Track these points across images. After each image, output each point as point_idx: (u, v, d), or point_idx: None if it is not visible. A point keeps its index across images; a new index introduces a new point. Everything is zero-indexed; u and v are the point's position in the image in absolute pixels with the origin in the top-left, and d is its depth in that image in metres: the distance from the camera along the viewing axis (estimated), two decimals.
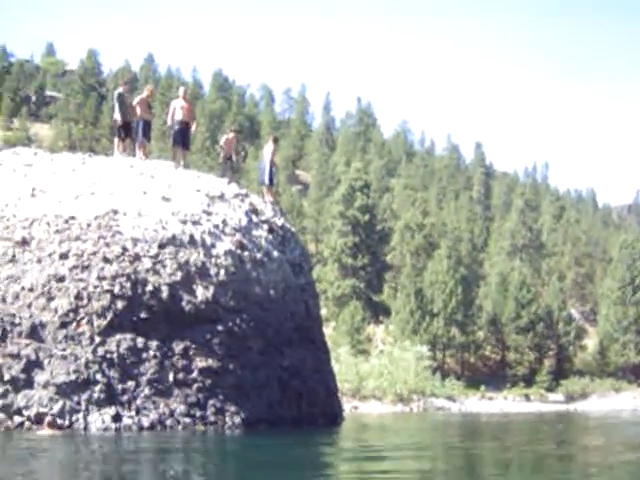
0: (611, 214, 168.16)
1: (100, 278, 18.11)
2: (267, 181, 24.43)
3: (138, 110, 23.85)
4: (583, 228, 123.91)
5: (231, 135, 25.95)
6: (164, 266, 18.76)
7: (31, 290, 17.90)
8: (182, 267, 18.92)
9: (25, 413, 16.71)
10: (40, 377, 17.01)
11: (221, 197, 21.91)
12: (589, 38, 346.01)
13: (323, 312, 48.91)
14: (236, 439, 16.59)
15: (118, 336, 17.59)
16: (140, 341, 17.69)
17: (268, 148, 24.77)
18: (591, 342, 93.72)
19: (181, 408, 17.54)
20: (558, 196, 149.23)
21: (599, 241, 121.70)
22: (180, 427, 17.23)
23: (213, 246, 19.86)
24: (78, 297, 17.80)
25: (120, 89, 24.69)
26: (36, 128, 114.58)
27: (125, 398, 17.20)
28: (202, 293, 18.82)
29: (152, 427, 16.96)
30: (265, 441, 16.09)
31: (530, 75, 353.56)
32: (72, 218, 19.27)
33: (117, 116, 24.03)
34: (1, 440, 14.90)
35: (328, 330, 60.04)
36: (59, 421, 16.58)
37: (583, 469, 11.14)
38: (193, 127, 24.50)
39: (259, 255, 20.89)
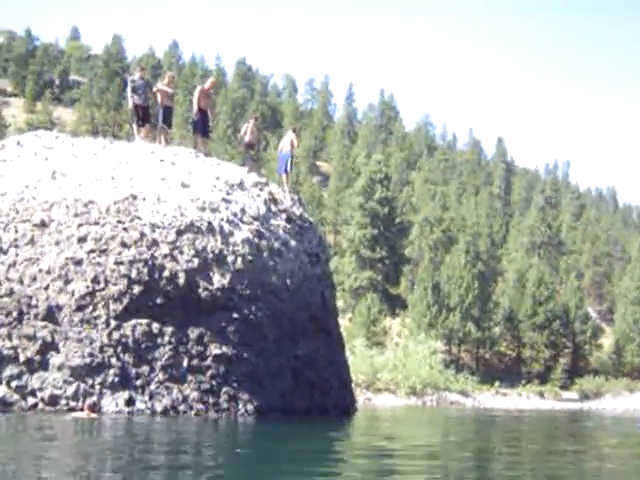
0: (632, 214, 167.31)
1: (117, 263, 18.18)
2: (282, 171, 24.39)
3: (159, 97, 23.83)
4: (603, 227, 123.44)
5: (251, 122, 25.68)
6: (181, 252, 18.80)
7: (48, 272, 18.00)
8: (199, 254, 18.96)
9: (39, 395, 16.83)
10: (55, 359, 17.12)
11: (240, 185, 21.91)
12: (613, 36, 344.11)
13: (339, 303, 48.89)
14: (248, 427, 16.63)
15: (134, 321, 17.67)
16: (155, 326, 17.76)
17: (287, 138, 24.75)
18: (607, 341, 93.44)
19: (194, 394, 17.61)
20: (579, 194, 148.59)
21: (618, 240, 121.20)
22: (193, 413, 17.30)
23: (231, 234, 19.87)
24: (95, 281, 17.88)
25: (135, 75, 24.56)
26: (59, 112, 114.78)
27: (139, 383, 17.29)
28: (218, 280, 18.86)
29: (165, 412, 17.04)
30: (277, 430, 16.11)
31: (554, 72, 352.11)
32: (91, 202, 19.33)
33: (131, 102, 23.97)
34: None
35: (344, 321, 60.17)
36: (72, 403, 16.69)
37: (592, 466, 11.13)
38: (210, 114, 24.36)
39: (276, 244, 20.89)
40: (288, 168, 24.39)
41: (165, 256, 18.61)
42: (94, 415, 15.97)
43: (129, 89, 23.98)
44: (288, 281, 20.57)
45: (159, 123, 23.96)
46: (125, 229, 18.81)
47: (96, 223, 18.87)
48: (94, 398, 16.74)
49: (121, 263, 18.20)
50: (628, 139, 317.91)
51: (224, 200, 20.80)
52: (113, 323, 17.54)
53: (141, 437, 13.13)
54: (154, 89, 23.96)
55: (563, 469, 10.60)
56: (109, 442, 12.18)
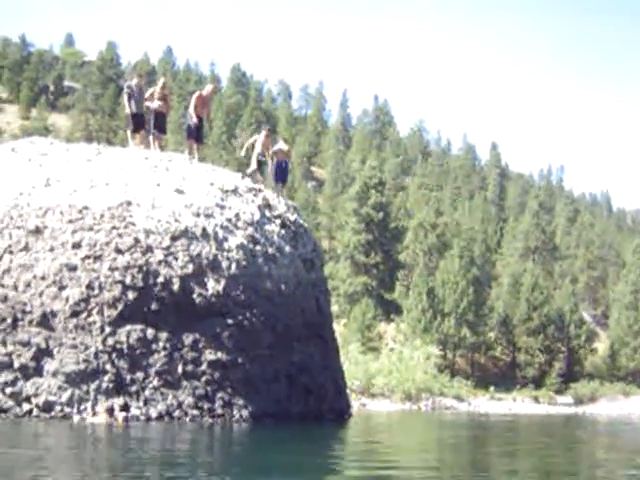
0: (625, 218, 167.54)
1: (112, 269, 18.18)
2: (277, 179, 24.21)
3: (152, 102, 23.74)
4: (597, 231, 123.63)
5: (264, 134, 24.61)
6: (176, 258, 18.81)
7: (43, 279, 17.99)
8: (194, 260, 18.97)
9: (34, 401, 16.84)
10: (50, 365, 17.12)
11: (235, 191, 21.91)
12: (606, 41, 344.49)
13: (334, 309, 48.84)
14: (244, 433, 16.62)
15: (128, 327, 17.67)
16: (150, 332, 17.76)
17: (278, 147, 24.52)
18: (602, 346, 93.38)
19: (189, 400, 17.61)
20: (573, 199, 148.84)
21: (612, 245, 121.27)
22: (188, 419, 17.30)
23: (225, 240, 19.89)
24: (89, 287, 17.89)
25: (134, 81, 24.47)
26: (54, 118, 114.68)
27: (134, 388, 17.29)
28: (213, 286, 18.86)
29: (160, 418, 17.04)
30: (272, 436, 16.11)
31: (547, 77, 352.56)
32: (86, 208, 19.33)
33: (127, 108, 23.94)
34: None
35: (339, 327, 60.08)
36: (67, 409, 16.69)
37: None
38: (205, 121, 24.26)
39: (271, 250, 20.90)
40: (286, 177, 24.38)
41: (159, 262, 18.62)
42: (112, 420, 16.00)
43: (125, 95, 23.95)
44: (283, 287, 20.58)
45: (151, 129, 23.89)
46: (119, 235, 18.81)
47: (90, 229, 18.87)
48: (88, 404, 16.76)
49: (115, 269, 18.21)
50: (622, 144, 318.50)
51: (218, 206, 20.80)
52: (108, 329, 17.54)
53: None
54: (146, 96, 23.87)
55: None
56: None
